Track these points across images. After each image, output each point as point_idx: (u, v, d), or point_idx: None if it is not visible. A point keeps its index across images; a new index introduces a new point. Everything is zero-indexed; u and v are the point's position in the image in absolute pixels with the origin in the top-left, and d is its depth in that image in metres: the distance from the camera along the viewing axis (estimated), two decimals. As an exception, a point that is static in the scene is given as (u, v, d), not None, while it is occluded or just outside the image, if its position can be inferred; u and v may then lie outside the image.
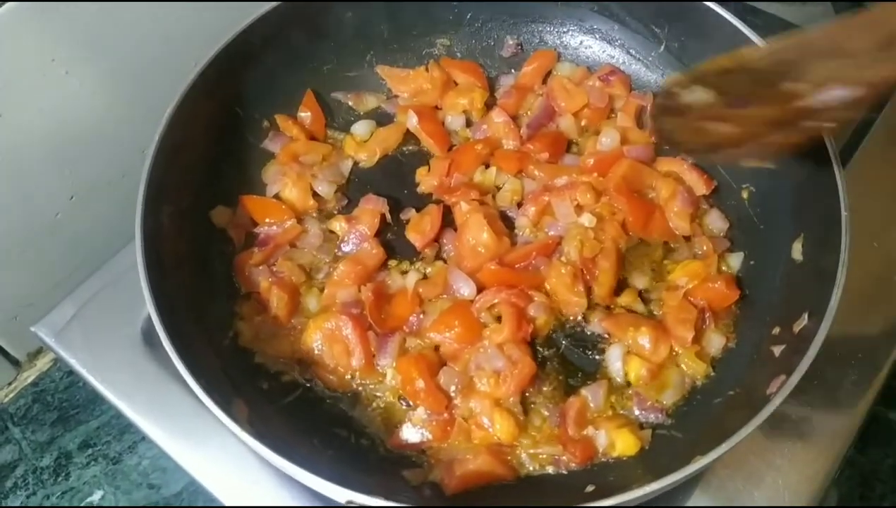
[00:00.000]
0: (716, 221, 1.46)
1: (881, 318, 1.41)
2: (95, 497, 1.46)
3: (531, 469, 1.25)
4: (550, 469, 1.24)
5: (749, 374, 1.25)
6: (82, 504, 1.45)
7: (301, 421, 1.27)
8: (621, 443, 1.24)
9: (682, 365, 1.31)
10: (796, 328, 1.20)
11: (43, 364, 1.61)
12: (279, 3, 1.43)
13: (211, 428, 1.24)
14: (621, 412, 1.29)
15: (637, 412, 1.28)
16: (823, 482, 1.27)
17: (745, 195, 1.46)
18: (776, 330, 1.26)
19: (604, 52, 1.62)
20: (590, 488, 1.18)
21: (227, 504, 1.27)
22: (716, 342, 1.33)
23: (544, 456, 1.25)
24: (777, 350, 1.22)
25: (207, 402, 1.08)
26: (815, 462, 1.28)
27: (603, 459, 1.25)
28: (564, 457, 1.24)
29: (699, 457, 1.05)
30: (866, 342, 1.39)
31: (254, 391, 1.28)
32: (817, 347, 1.10)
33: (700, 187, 1.48)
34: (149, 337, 1.39)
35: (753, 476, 1.27)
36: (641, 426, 1.27)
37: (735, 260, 1.42)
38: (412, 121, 1.56)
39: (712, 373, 1.31)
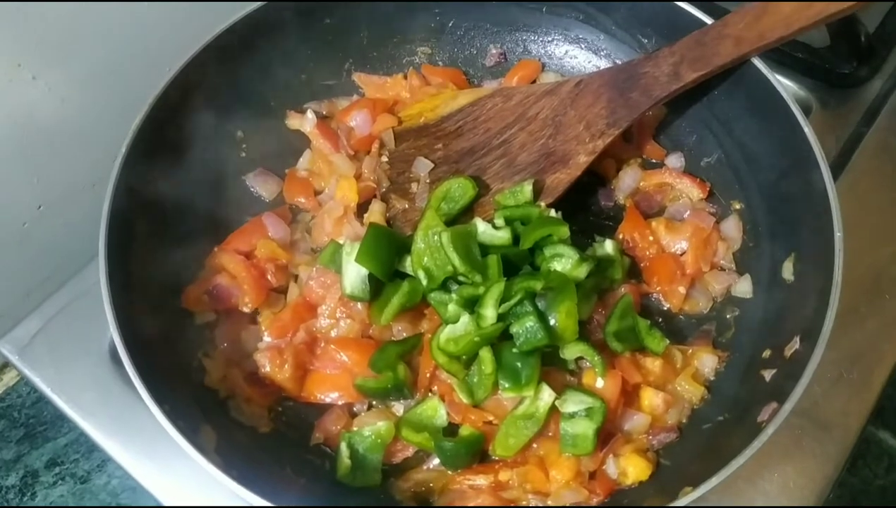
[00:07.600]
0: (731, 229, 1.40)
1: (872, 337, 1.38)
2: (62, 517, 1.43)
3: None
4: None
5: (739, 399, 1.22)
6: (48, 526, 1.42)
7: (274, 448, 1.22)
8: (633, 469, 1.18)
9: (679, 388, 1.26)
10: (788, 351, 1.17)
11: (9, 379, 1.58)
12: (257, 5, 1.38)
13: (180, 451, 1.19)
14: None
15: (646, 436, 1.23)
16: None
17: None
18: (766, 354, 1.22)
19: (589, 62, 1.58)
20: (573, 521, 1.14)
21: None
22: (708, 362, 1.28)
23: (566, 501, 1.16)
24: (768, 374, 1.19)
25: (170, 430, 1.04)
26: (805, 487, 1.25)
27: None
28: (593, 501, 1.16)
29: (689, 489, 1.02)
30: (857, 361, 1.35)
31: (225, 416, 1.23)
32: (810, 374, 1.07)
33: (695, 193, 1.45)
34: (117, 355, 1.32)
35: (742, 501, 1.24)
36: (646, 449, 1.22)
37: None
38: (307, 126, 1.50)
39: (707, 396, 1.26)
